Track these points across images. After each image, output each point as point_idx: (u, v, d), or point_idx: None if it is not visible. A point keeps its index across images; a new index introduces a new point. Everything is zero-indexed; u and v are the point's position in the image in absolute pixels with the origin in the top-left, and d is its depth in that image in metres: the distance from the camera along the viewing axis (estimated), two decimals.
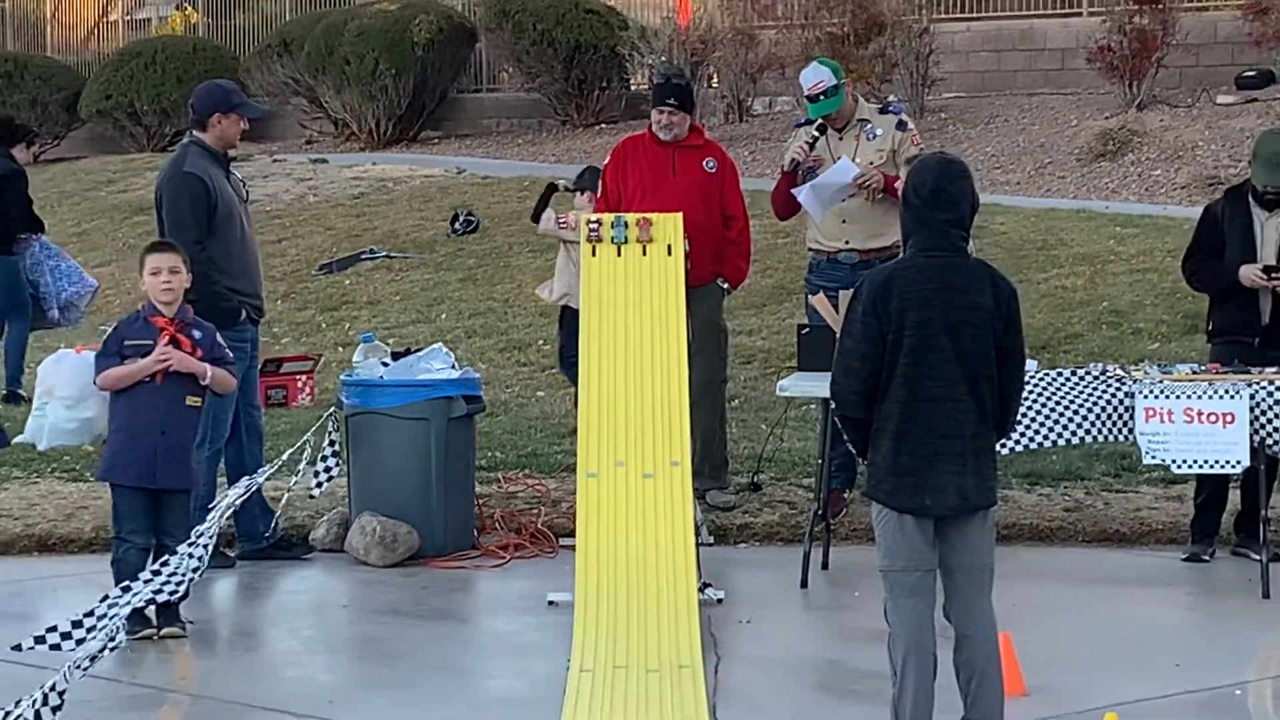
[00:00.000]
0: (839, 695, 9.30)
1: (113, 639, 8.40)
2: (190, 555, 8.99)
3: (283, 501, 12.94)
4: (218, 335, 10.69)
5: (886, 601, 8.05)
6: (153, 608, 9.78)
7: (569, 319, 16.03)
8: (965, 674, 8.07)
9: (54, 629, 8.21)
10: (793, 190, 12.91)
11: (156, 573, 9.23)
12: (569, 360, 15.50)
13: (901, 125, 13.26)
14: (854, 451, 8.85)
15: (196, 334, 10.59)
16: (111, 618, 8.55)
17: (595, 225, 12.42)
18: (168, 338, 10.41)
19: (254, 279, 12.81)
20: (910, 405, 7.92)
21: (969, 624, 8.07)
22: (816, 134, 13.27)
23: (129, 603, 8.95)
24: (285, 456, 12.77)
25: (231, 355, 10.79)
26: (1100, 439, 11.93)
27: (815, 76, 13.27)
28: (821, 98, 13.20)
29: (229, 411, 12.39)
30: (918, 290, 7.93)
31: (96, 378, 10.82)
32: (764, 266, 14.46)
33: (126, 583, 9.29)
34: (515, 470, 14.70)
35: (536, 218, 17.05)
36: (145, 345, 10.46)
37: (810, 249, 13.50)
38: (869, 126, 13.24)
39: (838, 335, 11.77)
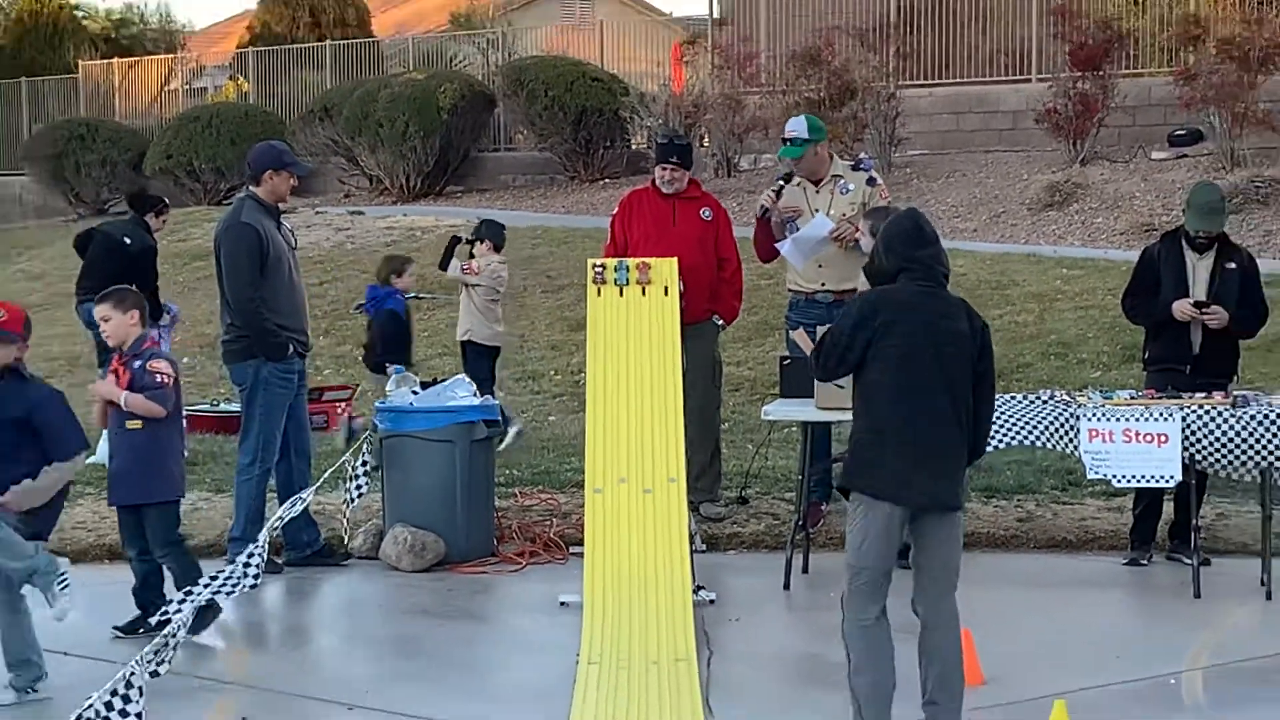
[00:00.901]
0: (819, 685, 9.30)
1: (175, 636, 8.45)
2: (248, 563, 9.01)
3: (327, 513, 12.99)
4: (147, 364, 10.53)
5: (845, 598, 8.30)
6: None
7: (469, 352, 17.07)
8: (929, 662, 8.19)
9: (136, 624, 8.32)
10: (776, 244, 13.00)
11: (214, 578, 9.26)
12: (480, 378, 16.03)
13: (871, 181, 13.35)
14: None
15: (135, 364, 10.55)
16: (175, 617, 8.62)
17: (600, 268, 12.47)
18: (111, 373, 10.58)
19: (300, 317, 12.80)
20: (897, 409, 8.14)
21: (935, 617, 8.19)
22: (782, 183, 13.49)
23: (191, 604, 9.00)
24: (326, 475, 12.83)
25: (156, 382, 10.52)
26: (1048, 448, 11.97)
27: (791, 126, 13.49)
28: (786, 143, 13.44)
29: (276, 435, 12.48)
30: (907, 310, 8.24)
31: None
32: (749, 305, 14.46)
33: (188, 588, 9.35)
34: (530, 486, 14.69)
35: (444, 266, 17.66)
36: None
37: (790, 290, 13.54)
38: (842, 182, 13.31)
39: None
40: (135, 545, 10.73)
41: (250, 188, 12.88)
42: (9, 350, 9.03)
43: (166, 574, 10.62)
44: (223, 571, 9.23)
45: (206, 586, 9.08)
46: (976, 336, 8.33)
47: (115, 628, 10.61)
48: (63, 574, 8.90)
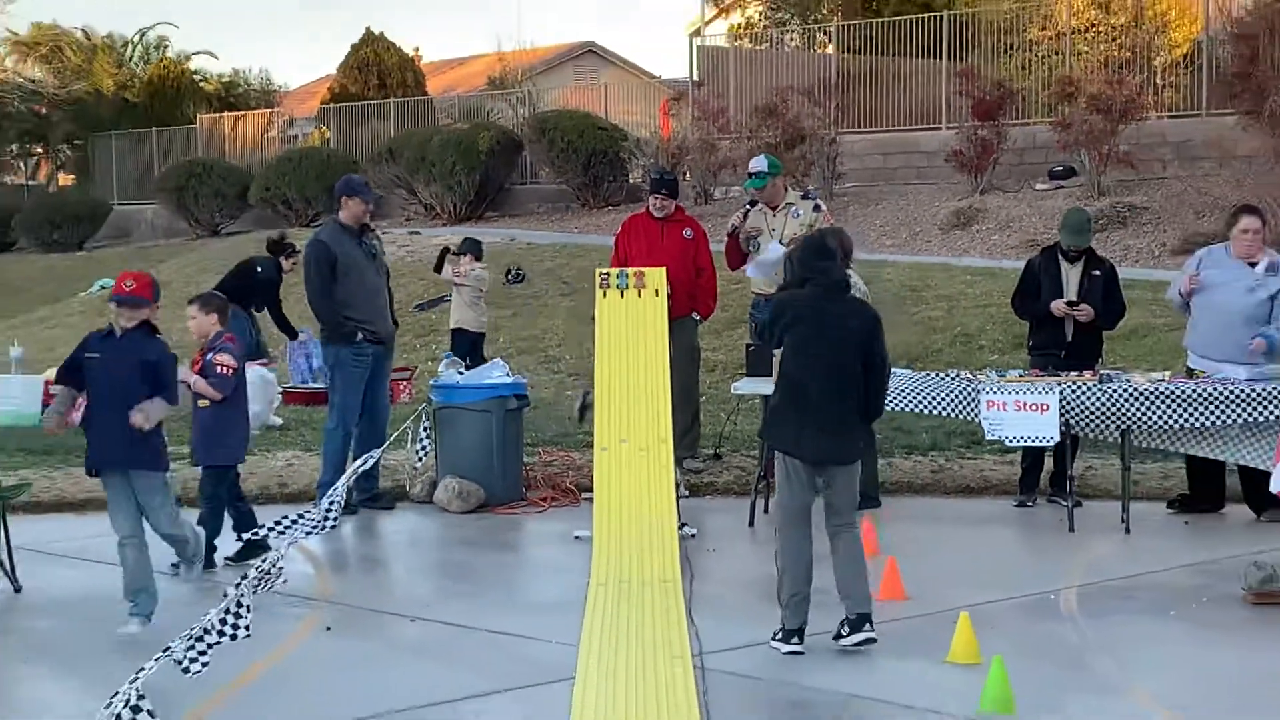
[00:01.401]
0: (770, 596, 9.27)
1: (276, 564, 8.43)
2: (329, 509, 9.00)
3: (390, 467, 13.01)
4: (215, 356, 10.67)
5: (778, 528, 8.73)
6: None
7: (458, 338, 18.35)
8: (841, 570, 8.61)
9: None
10: (743, 267, 13.14)
11: (301, 516, 9.22)
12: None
13: (817, 208, 13.48)
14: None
15: (208, 356, 10.68)
16: (275, 545, 8.63)
17: (606, 276, 12.53)
18: (193, 362, 10.65)
19: (371, 313, 12.81)
20: (795, 386, 8.67)
21: (838, 540, 8.66)
22: (749, 206, 13.69)
23: (290, 539, 9.00)
24: (393, 438, 12.84)
25: (218, 372, 10.69)
26: (955, 416, 11.99)
27: (755, 163, 13.88)
28: (752, 176, 13.77)
29: (353, 403, 12.73)
30: (806, 309, 8.70)
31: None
32: (721, 304, 14.47)
33: (284, 523, 9.34)
34: (551, 446, 14.73)
35: (438, 270, 19.22)
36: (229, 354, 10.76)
37: (753, 292, 13.63)
38: (794, 208, 13.41)
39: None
40: (221, 505, 10.89)
41: (336, 212, 13.04)
42: (143, 311, 8.98)
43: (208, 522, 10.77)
44: (309, 512, 9.22)
45: (296, 525, 9.05)
46: (865, 329, 8.71)
47: (226, 558, 10.67)
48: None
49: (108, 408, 8.76)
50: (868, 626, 8.39)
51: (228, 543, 10.73)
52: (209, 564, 10.49)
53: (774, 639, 8.44)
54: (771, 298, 13.08)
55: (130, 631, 8.67)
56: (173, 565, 9.62)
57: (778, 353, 9.03)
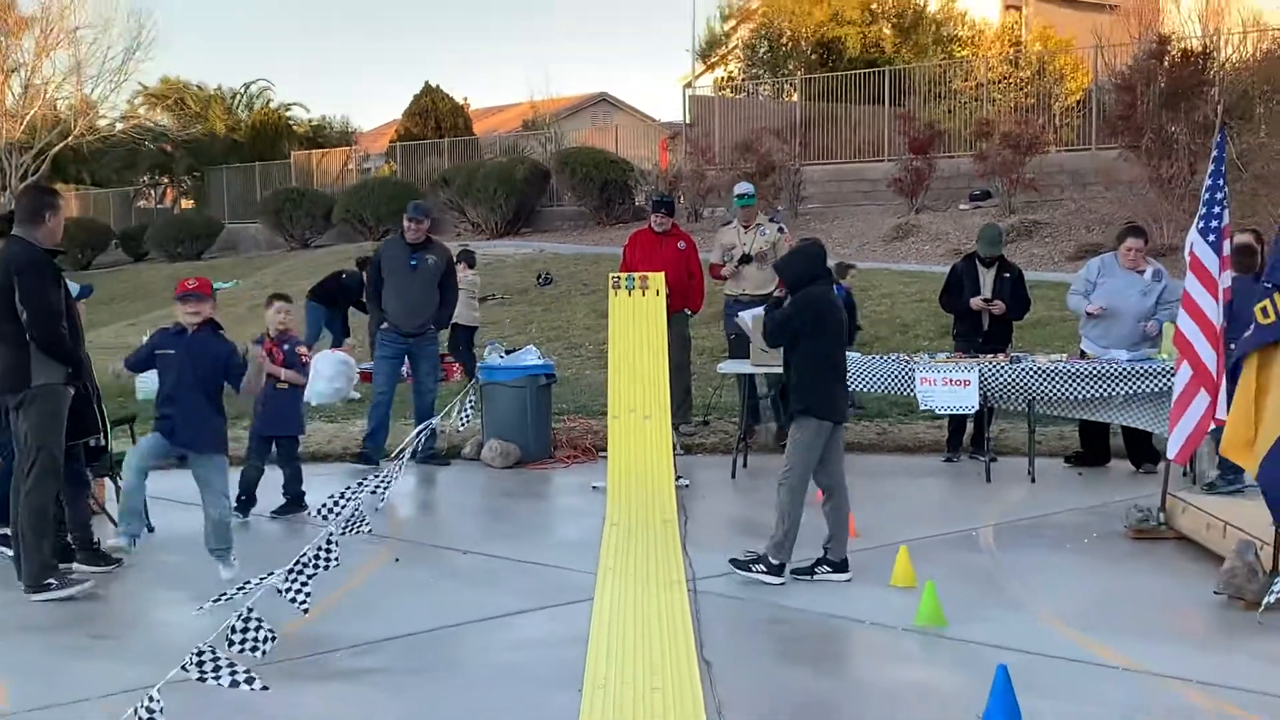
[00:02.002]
0: (752, 535, 9.25)
1: (360, 512, 8.45)
2: (397, 466, 8.99)
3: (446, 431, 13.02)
4: (296, 349, 10.69)
5: (793, 477, 8.41)
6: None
7: (455, 330, 18.18)
8: (832, 515, 8.51)
9: (324, 506, 8.24)
10: (738, 315, 13.04)
11: (364, 481, 9.20)
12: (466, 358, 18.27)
13: (780, 229, 13.55)
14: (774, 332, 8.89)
15: (285, 347, 10.61)
16: (355, 500, 8.61)
17: (616, 279, 12.56)
18: (266, 351, 10.36)
19: (398, 310, 12.78)
20: (833, 365, 8.56)
21: (840, 492, 8.61)
22: (731, 220, 13.85)
23: (368, 490, 8.99)
24: (446, 409, 12.82)
25: (302, 362, 10.82)
26: (896, 390, 11.99)
27: (743, 187, 14.19)
28: (740, 197, 13.87)
29: (383, 381, 12.79)
30: (828, 302, 8.60)
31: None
32: (707, 303, 14.44)
33: (361, 480, 9.30)
34: (573, 414, 14.71)
35: None
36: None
37: (727, 294, 13.66)
38: (762, 228, 13.46)
39: (752, 336, 11.98)
40: (262, 459, 10.68)
41: (400, 230, 13.10)
42: (206, 306, 8.51)
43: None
44: (377, 474, 9.23)
45: (362, 486, 9.03)
46: (847, 316, 9.06)
47: (272, 511, 10.65)
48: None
49: (183, 397, 8.38)
50: (847, 568, 8.45)
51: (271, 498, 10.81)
52: (302, 507, 10.54)
53: (761, 571, 8.35)
54: (740, 299, 13.29)
55: (117, 544, 8.59)
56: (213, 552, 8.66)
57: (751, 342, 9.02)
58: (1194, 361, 9.17)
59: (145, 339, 9.19)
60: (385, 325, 12.84)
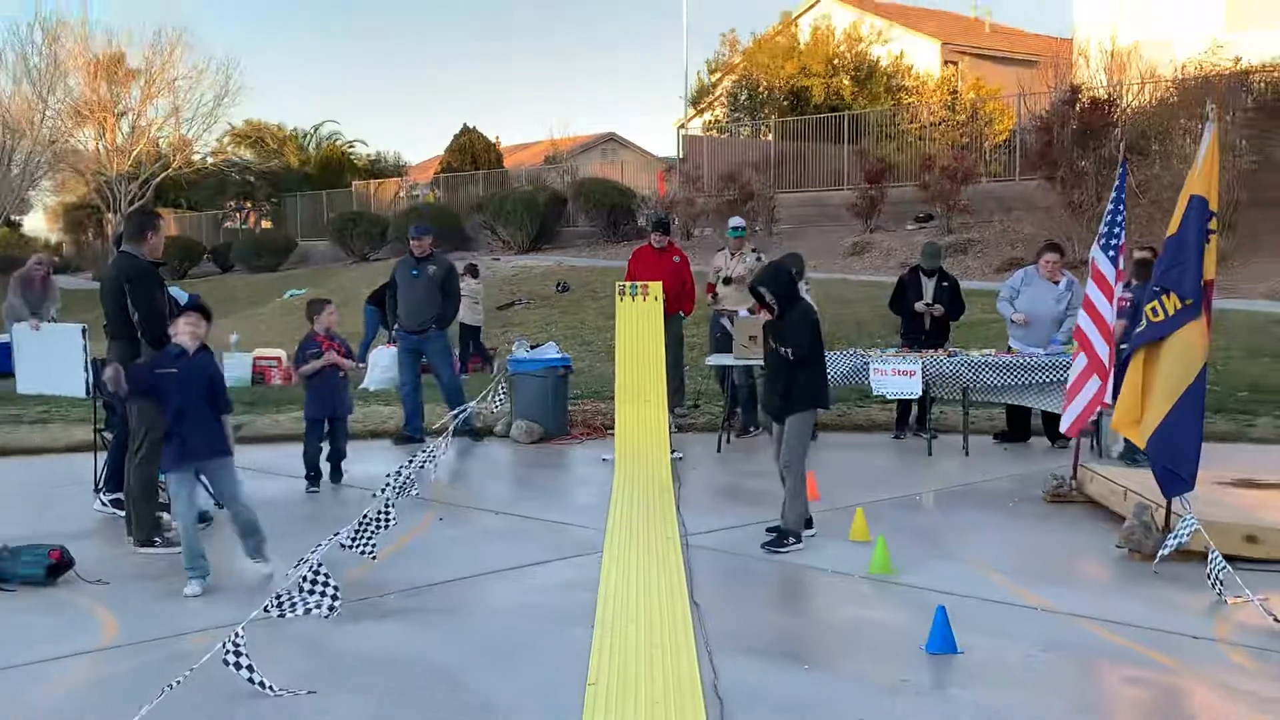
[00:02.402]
0: (735, 498, 9.28)
1: (410, 479, 8.46)
2: (442, 443, 9.00)
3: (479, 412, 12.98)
4: (338, 341, 10.55)
5: (796, 461, 8.15)
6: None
7: (462, 329, 18.65)
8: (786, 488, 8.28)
9: (388, 476, 8.23)
10: (739, 314, 12.91)
11: (414, 458, 9.20)
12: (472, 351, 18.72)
13: (759, 259, 13.25)
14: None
15: (336, 341, 10.53)
16: (409, 473, 8.62)
17: (623, 287, 12.54)
18: (327, 348, 10.36)
19: (406, 312, 12.72)
20: (823, 363, 8.41)
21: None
22: (722, 246, 13.55)
23: (419, 465, 9.00)
24: (483, 394, 12.83)
25: (351, 352, 10.79)
26: (850, 379, 11.96)
27: (735, 221, 14.05)
28: (736, 229, 13.69)
29: (402, 372, 12.76)
30: (813, 309, 8.38)
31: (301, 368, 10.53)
32: (697, 308, 14.43)
33: (412, 456, 9.29)
34: (587, 399, 14.69)
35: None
36: (319, 352, 10.40)
37: (714, 310, 13.52)
38: (746, 255, 13.28)
39: (734, 339, 11.96)
40: (320, 438, 10.45)
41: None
42: (203, 328, 7.55)
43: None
44: (425, 450, 9.23)
45: (412, 461, 9.03)
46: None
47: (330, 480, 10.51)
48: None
49: (193, 413, 7.37)
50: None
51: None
52: (340, 476, 10.50)
53: (792, 544, 8.06)
54: (720, 309, 13.25)
55: (193, 592, 7.14)
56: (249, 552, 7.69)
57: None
58: (1089, 353, 9.31)
59: (140, 360, 8.10)
60: (397, 326, 12.93)
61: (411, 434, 12.54)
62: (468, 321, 19.10)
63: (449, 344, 13.36)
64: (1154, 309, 7.66)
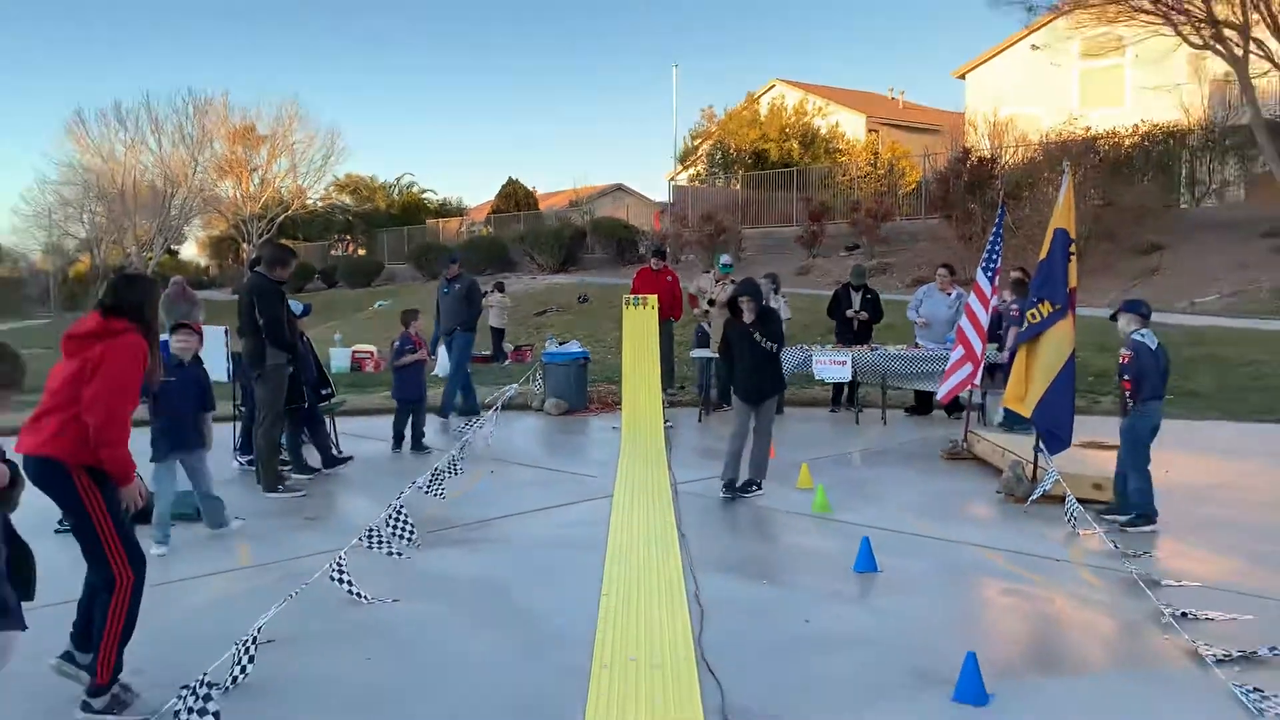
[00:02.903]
0: (712, 456, 9.24)
1: (461, 452, 8.44)
2: (492, 415, 8.97)
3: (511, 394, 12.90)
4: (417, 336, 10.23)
5: (770, 430, 8.02)
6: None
7: (493, 332, 18.82)
8: (756, 450, 8.10)
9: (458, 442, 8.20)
10: (697, 308, 12.89)
11: (475, 423, 9.18)
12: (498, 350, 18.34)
13: (735, 285, 13.07)
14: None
15: (421, 340, 10.28)
16: (468, 436, 8.62)
17: (628, 299, 12.51)
18: (419, 346, 10.15)
19: (444, 319, 12.32)
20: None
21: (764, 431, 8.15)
22: (709, 271, 13.14)
23: (477, 429, 8.99)
24: (524, 378, 12.80)
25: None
26: (798, 368, 11.91)
27: (727, 258, 13.38)
28: (727, 266, 13.16)
29: (457, 360, 12.16)
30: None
31: (399, 360, 10.12)
32: (685, 315, 14.38)
33: (468, 424, 9.25)
34: (601, 382, 14.63)
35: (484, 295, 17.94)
36: (414, 349, 10.12)
37: (696, 316, 13.43)
38: (727, 283, 12.91)
39: (712, 334, 11.88)
40: (407, 415, 10.10)
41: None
42: (195, 340, 6.93)
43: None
44: (480, 421, 9.21)
45: (469, 427, 9.02)
46: None
47: (412, 449, 10.05)
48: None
49: (185, 415, 6.70)
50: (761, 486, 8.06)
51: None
52: (423, 448, 10.01)
53: (755, 491, 7.98)
54: (702, 319, 13.20)
55: (158, 553, 6.42)
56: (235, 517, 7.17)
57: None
58: (966, 346, 9.49)
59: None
60: (437, 334, 12.52)
61: (470, 407, 12.32)
62: (495, 325, 19.21)
63: (471, 342, 12.57)
64: (1033, 314, 7.74)
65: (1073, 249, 7.66)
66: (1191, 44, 22.71)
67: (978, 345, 9.39)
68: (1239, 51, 21.45)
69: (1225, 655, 4.59)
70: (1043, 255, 7.77)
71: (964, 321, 9.52)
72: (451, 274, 12.51)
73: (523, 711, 4.11)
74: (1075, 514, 6.90)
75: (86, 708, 4.11)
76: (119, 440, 4.10)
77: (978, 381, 9.50)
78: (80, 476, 4.08)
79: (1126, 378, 7.01)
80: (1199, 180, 24.95)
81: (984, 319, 9.39)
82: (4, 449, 2.68)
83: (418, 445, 10.15)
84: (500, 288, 20.39)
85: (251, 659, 4.41)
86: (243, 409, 9.46)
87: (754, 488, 8.04)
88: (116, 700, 4.14)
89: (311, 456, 9.18)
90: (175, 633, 4.96)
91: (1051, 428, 7.52)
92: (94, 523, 4.09)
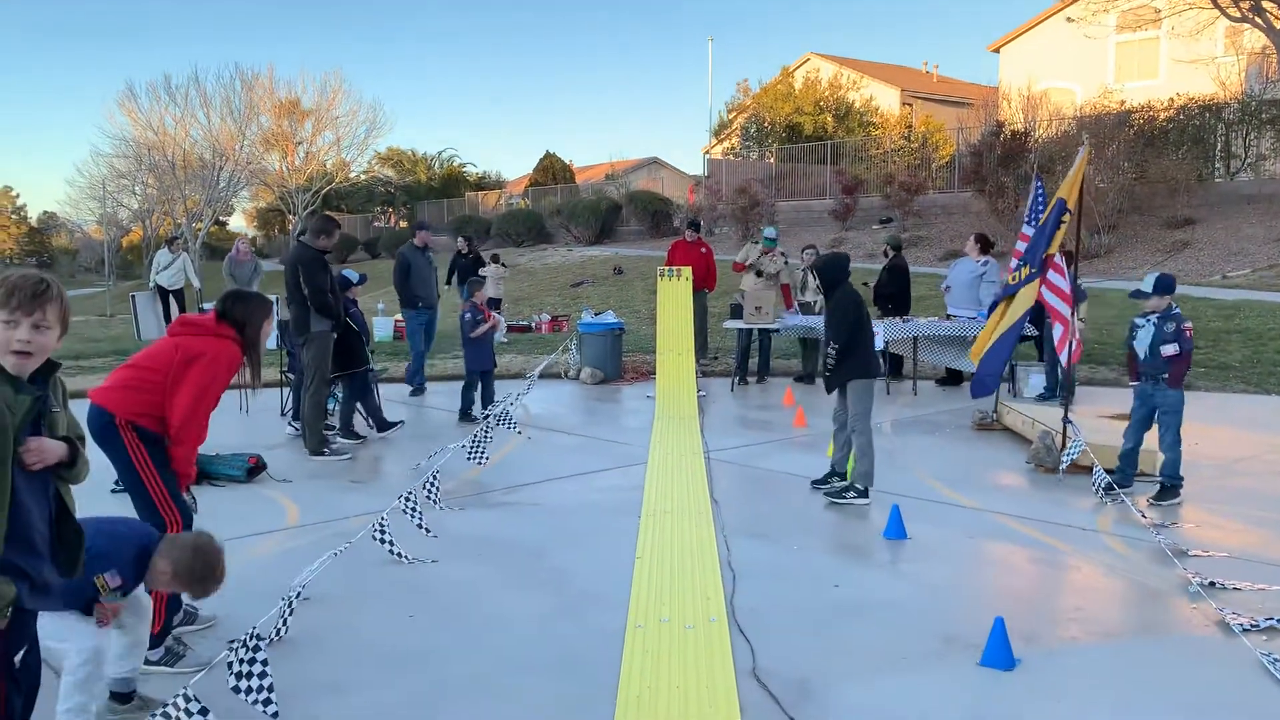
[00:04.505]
0: (744, 425, 9.25)
1: (507, 412, 8.46)
2: (527, 386, 8.98)
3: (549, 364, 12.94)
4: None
5: (860, 423, 6.89)
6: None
7: (490, 301, 17.06)
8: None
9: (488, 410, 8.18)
10: (746, 273, 12.56)
11: (519, 391, 9.20)
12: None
13: (787, 261, 12.81)
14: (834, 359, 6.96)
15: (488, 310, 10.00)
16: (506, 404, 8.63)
17: (663, 270, 12.47)
18: (488, 316, 9.93)
19: (424, 291, 11.29)
20: (867, 337, 6.92)
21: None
22: (756, 244, 12.74)
23: (512, 399, 8.99)
24: (559, 349, 12.83)
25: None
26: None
27: (770, 231, 12.86)
28: (771, 239, 12.65)
29: (412, 340, 11.44)
30: (856, 295, 6.91)
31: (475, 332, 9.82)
32: (722, 289, 14.27)
33: (508, 396, 9.25)
34: (636, 351, 14.65)
35: (479, 268, 17.59)
36: (483, 319, 9.85)
37: (740, 289, 13.34)
38: (775, 256, 12.58)
39: (746, 304, 11.80)
40: (476, 384, 9.92)
41: (411, 239, 11.63)
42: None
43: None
44: (514, 394, 9.22)
45: (508, 399, 9.05)
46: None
47: (482, 414, 9.71)
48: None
49: None
50: (868, 494, 6.90)
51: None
52: (471, 417, 9.85)
53: (852, 497, 6.82)
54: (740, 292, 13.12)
55: None
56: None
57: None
58: (1055, 315, 7.90)
59: None
60: (419, 303, 11.42)
61: (415, 381, 11.55)
62: (492, 294, 19.17)
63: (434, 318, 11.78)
64: (1014, 276, 7.83)
65: (1065, 218, 7.62)
66: (1229, 17, 22.17)
67: (1064, 308, 7.84)
68: (1279, 24, 20.91)
69: (1253, 624, 4.53)
70: (1042, 221, 7.78)
71: (1045, 292, 7.91)
72: (421, 241, 11.58)
73: (558, 669, 4.15)
74: (1103, 484, 6.82)
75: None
76: (193, 441, 4.23)
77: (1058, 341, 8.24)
78: (128, 432, 4.18)
79: (1190, 352, 6.88)
80: (1234, 154, 24.40)
81: (1063, 284, 7.90)
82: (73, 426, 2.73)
83: (468, 410, 9.98)
84: (496, 259, 20.18)
85: (293, 611, 4.48)
86: (291, 375, 9.56)
87: (849, 495, 6.87)
88: (170, 652, 4.21)
89: (359, 424, 9.27)
90: (226, 590, 5.05)
91: (983, 374, 7.60)
92: (141, 477, 4.19)
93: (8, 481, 2.35)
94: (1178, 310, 6.89)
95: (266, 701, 3.46)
